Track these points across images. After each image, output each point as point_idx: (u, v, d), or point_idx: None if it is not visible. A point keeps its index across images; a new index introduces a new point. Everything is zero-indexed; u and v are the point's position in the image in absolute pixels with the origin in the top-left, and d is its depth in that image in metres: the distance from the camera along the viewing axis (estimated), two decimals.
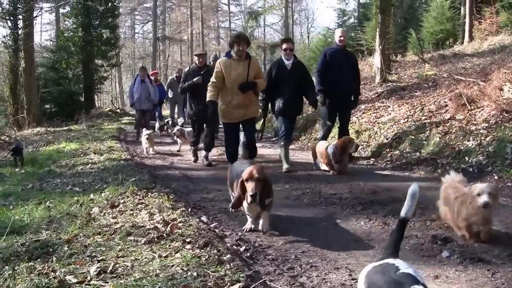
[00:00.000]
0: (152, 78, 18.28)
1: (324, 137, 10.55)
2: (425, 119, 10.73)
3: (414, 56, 20.21)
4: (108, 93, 50.58)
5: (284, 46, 10.05)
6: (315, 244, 4.97)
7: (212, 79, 8.55)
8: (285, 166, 9.63)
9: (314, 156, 9.97)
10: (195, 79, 10.60)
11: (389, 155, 10.28)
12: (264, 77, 9.09)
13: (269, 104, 10.30)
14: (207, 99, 8.50)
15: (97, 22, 29.81)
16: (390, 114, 12.39)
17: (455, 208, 4.89)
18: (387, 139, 10.95)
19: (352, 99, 10.62)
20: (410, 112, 11.79)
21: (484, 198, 4.56)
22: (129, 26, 62.53)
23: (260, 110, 10.15)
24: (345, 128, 10.66)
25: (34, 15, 25.10)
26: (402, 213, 2.95)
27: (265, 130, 14.11)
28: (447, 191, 5.16)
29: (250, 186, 5.06)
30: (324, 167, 9.48)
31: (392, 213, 5.92)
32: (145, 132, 13.24)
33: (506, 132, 8.40)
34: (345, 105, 10.47)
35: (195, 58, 11.19)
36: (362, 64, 19.60)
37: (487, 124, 9.05)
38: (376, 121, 12.35)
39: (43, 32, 53.13)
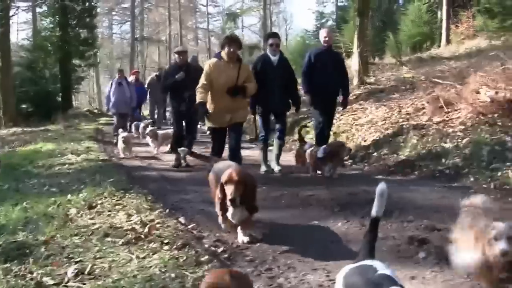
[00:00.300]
0: (133, 77, 18.03)
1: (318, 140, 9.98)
2: (403, 121, 10.81)
3: (392, 58, 20.36)
4: (85, 93, 50.38)
5: (270, 41, 9.56)
6: (293, 245, 4.99)
7: (202, 80, 8.10)
8: (263, 168, 9.36)
9: (300, 161, 9.63)
10: (177, 75, 10.12)
11: (366, 157, 10.33)
12: (254, 81, 8.50)
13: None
14: (197, 100, 8.03)
15: (74, 22, 29.58)
16: (368, 116, 12.45)
17: (471, 244, 3.99)
18: (364, 141, 11.02)
19: (341, 100, 10.28)
20: (387, 115, 11.86)
21: (502, 245, 3.40)
22: (107, 26, 62.12)
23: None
24: (328, 130, 10.37)
25: (11, 14, 24.87)
26: (373, 212, 3.02)
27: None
28: (465, 219, 4.32)
29: (229, 190, 4.75)
30: (311, 170, 9.07)
31: (369, 215, 5.92)
32: (121, 134, 12.58)
33: (482, 135, 8.49)
34: (330, 107, 10.14)
35: (176, 55, 10.78)
36: None
37: (463, 127, 9.13)
38: (354, 123, 12.41)
39: (20, 31, 52.41)
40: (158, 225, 5.16)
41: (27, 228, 5.15)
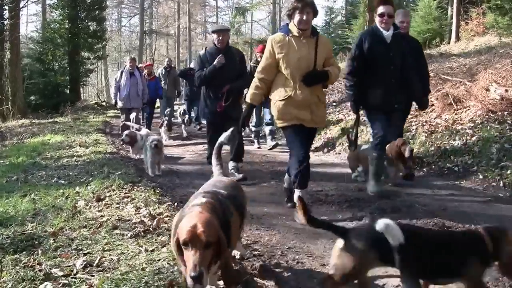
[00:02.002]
0: (145, 71, 15.72)
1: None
2: (411, 118, 10.75)
3: None
4: (94, 86, 50.46)
5: (380, 9, 6.76)
6: (301, 240, 4.99)
7: (259, 69, 6.00)
8: (372, 187, 6.88)
9: (355, 163, 8.18)
10: (216, 61, 8.12)
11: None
12: (337, 65, 6.18)
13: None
14: (247, 98, 6.16)
15: (84, 14, 29.64)
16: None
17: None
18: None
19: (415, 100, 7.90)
20: None
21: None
22: (116, 19, 62.29)
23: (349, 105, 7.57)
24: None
25: (21, 5, 24.89)
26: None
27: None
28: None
29: (190, 257, 2.83)
30: (362, 178, 7.91)
31: (378, 211, 5.95)
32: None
33: (492, 133, 8.45)
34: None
35: (214, 36, 8.44)
36: None
37: (473, 124, 9.08)
38: (362, 119, 12.35)
39: (29, 23, 52.90)
40: (166, 218, 5.16)
41: (35, 220, 5.16)
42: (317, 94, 5.94)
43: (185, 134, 15.29)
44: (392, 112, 7.00)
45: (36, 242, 4.40)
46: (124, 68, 14.07)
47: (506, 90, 9.29)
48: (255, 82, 6.04)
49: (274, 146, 11.78)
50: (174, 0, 52.65)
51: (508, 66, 10.37)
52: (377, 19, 6.90)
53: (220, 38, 8.36)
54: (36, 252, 4.11)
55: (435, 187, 7.27)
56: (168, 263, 3.89)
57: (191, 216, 2.97)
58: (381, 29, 6.79)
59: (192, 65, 16.90)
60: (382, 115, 6.91)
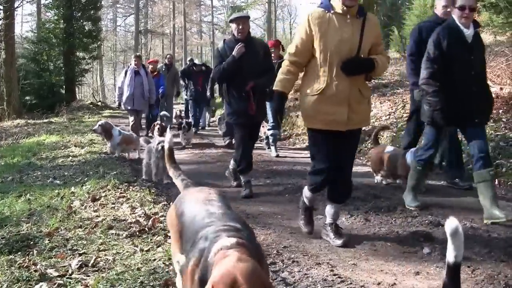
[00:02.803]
0: (150, 67, 14.39)
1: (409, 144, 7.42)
2: (407, 116, 10.76)
3: (397, 53, 20.31)
4: (89, 86, 50.31)
5: (460, 0, 5.59)
6: (296, 239, 5.00)
7: (291, 51, 4.89)
8: (411, 202, 6.14)
9: (378, 165, 7.64)
10: (235, 51, 6.92)
11: (370, 151, 10.31)
12: (386, 54, 5.22)
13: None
14: (275, 85, 5.00)
15: (79, 14, 29.51)
16: (372, 110, 12.41)
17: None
18: (369, 136, 10.99)
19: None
20: (392, 109, 11.84)
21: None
22: (111, 18, 62.15)
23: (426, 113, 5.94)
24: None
25: (15, 5, 24.83)
26: (450, 257, 2.23)
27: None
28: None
29: None
30: (386, 180, 7.57)
31: (373, 209, 5.97)
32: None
33: (487, 130, 8.45)
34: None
35: (233, 26, 7.18)
36: None
37: None
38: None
39: (24, 23, 52.53)
40: (162, 218, 5.16)
41: (31, 220, 5.17)
42: (359, 87, 4.79)
43: (183, 143, 12.32)
44: (470, 126, 5.71)
45: (31, 242, 4.41)
46: (128, 67, 12.86)
47: (501, 88, 9.31)
48: (285, 66, 4.92)
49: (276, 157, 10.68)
50: (169, 0, 52.62)
51: (503, 64, 10.39)
52: (455, 13, 5.65)
53: (240, 27, 7.06)
54: (31, 253, 4.12)
55: (429, 185, 7.28)
56: (163, 263, 3.90)
57: (227, 267, 2.16)
58: (461, 26, 5.61)
59: (197, 60, 16.69)
60: (451, 128, 6.34)
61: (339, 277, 3.94)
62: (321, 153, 4.92)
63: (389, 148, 7.70)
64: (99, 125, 10.17)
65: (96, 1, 30.94)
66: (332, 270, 4.09)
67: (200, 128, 16.38)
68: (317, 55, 4.73)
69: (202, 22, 60.17)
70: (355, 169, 8.89)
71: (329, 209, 5.08)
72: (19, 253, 4.12)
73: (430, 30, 6.17)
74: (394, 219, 5.60)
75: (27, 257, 3.98)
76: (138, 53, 15.49)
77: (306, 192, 5.23)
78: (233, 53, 6.94)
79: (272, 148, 10.89)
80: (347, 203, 6.32)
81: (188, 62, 17.42)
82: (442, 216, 5.51)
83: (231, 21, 7.37)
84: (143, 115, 13.75)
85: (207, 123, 18.29)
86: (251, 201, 6.58)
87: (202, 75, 15.14)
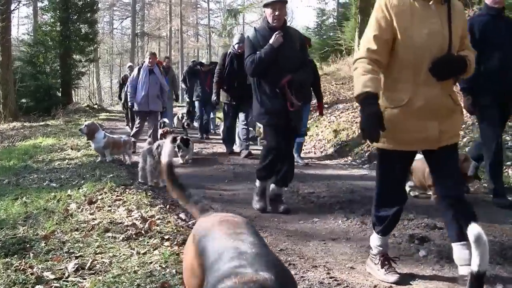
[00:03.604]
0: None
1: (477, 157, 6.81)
2: None
3: None
4: (85, 88, 50.33)
5: None
6: (293, 242, 5.00)
7: (368, 43, 3.73)
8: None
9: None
10: (273, 39, 5.90)
11: (367, 154, 10.33)
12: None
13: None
14: (360, 89, 3.65)
15: (75, 17, 29.51)
16: None
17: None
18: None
19: None
20: None
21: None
22: (107, 21, 62.09)
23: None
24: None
25: (12, 8, 24.83)
26: (474, 266, 2.05)
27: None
28: None
29: None
30: (414, 192, 6.95)
31: (370, 213, 5.94)
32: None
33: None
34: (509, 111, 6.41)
35: (267, 11, 6.09)
36: (341, 64, 19.73)
37: (463, 126, 9.12)
38: (354, 120, 12.40)
39: (21, 25, 52.54)
40: (158, 221, 5.16)
41: (27, 223, 5.15)
42: (449, 93, 3.80)
43: (181, 161, 10.13)
44: None
45: (28, 245, 4.39)
46: (142, 65, 12.06)
47: None
48: (366, 65, 3.68)
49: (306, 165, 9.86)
50: (166, 3, 52.56)
51: None
52: None
53: (277, 13, 6.00)
54: (27, 256, 4.10)
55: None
56: (160, 266, 3.90)
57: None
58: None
59: (204, 60, 15.35)
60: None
61: (335, 280, 3.94)
62: (395, 181, 3.99)
63: (419, 156, 7.01)
64: (85, 125, 9.82)
65: (92, 3, 30.95)
66: (328, 273, 4.09)
67: (208, 133, 15.32)
68: (398, 54, 3.71)
69: (199, 25, 60.16)
70: (350, 172, 9.01)
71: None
72: (16, 256, 4.11)
73: (485, 25, 6.05)
74: None
75: (23, 260, 3.96)
76: (153, 50, 14.02)
77: (375, 240, 4.22)
78: (270, 41, 5.89)
79: (297, 156, 9.71)
80: (344, 205, 6.37)
81: (191, 64, 16.82)
82: (438, 219, 5.51)
83: (266, 5, 6.16)
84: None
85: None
86: (247, 204, 6.56)
87: (211, 75, 13.32)
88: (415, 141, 3.77)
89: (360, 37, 15.97)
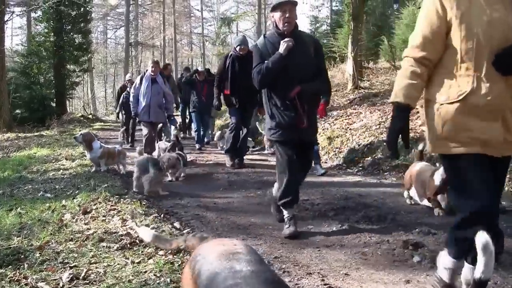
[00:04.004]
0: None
1: None
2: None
3: (386, 63, 20.39)
4: (80, 98, 50.28)
5: None
6: (287, 250, 5.00)
7: (415, 42, 3.45)
8: None
9: (408, 183, 6.83)
10: (282, 47, 5.34)
11: (361, 161, 10.35)
12: None
13: None
14: (392, 97, 3.53)
15: (69, 27, 29.55)
16: (362, 120, 12.48)
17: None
18: (359, 145, 11.02)
19: None
20: (382, 119, 11.89)
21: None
22: (101, 31, 62.12)
23: None
24: None
25: (5, 19, 24.79)
26: (477, 273, 2.10)
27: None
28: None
29: None
30: (425, 202, 6.52)
31: (364, 219, 5.99)
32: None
33: None
34: None
35: (276, 15, 5.51)
36: (334, 71, 19.78)
37: None
38: (348, 127, 12.43)
39: (14, 36, 52.48)
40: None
41: (21, 234, 5.13)
42: None
43: (172, 179, 9.28)
44: None
45: (22, 256, 4.38)
46: (144, 74, 11.48)
47: None
48: (408, 66, 3.44)
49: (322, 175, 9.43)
50: (159, 12, 52.60)
51: None
52: None
53: (287, 15, 5.45)
54: (22, 266, 4.10)
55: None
56: (154, 275, 3.89)
57: None
58: None
59: (199, 68, 14.73)
60: None
61: (330, 287, 3.95)
62: (476, 187, 3.24)
63: (420, 164, 6.76)
64: (80, 134, 9.81)
65: (86, 13, 31.01)
66: (323, 280, 4.10)
67: (205, 143, 14.62)
68: (455, 45, 3.26)
69: (192, 34, 60.24)
70: (345, 179, 9.02)
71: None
72: (10, 266, 4.10)
73: None
74: (384, 228, 5.63)
75: (17, 271, 3.96)
76: (155, 59, 13.02)
77: (445, 262, 3.61)
78: (280, 49, 5.33)
79: (318, 166, 9.56)
80: (338, 212, 6.38)
81: (183, 72, 16.30)
82: (432, 224, 5.55)
83: (274, 8, 5.55)
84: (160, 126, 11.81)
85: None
86: (242, 211, 6.58)
87: (207, 84, 13.21)
88: (477, 142, 3.23)
89: (353, 44, 16.10)
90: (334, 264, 4.52)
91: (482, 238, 2.03)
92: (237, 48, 9.97)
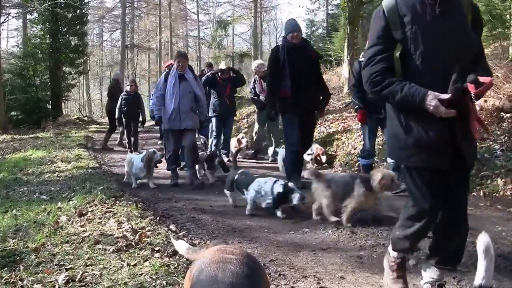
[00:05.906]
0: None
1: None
2: None
3: None
4: (75, 100, 50.16)
5: None
6: (283, 253, 5.01)
7: None
8: None
9: None
10: (432, 103, 3.14)
11: (356, 164, 10.36)
12: None
13: None
14: (430, 104, 3.09)
15: (65, 29, 29.53)
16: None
17: None
18: (354, 149, 11.02)
19: None
20: None
21: None
22: (97, 33, 62.02)
23: None
24: None
25: (1, 20, 24.80)
26: (477, 279, 1.98)
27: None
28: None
29: None
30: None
31: (360, 222, 6.00)
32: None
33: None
34: None
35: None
36: (330, 74, 19.80)
37: None
38: (344, 131, 12.44)
39: (10, 38, 52.33)
40: (149, 233, 5.15)
41: (17, 236, 5.14)
42: None
43: (212, 180, 9.22)
44: None
45: (18, 258, 4.39)
46: (169, 70, 9.40)
47: (485, 101, 9.39)
48: None
49: None
50: (155, 15, 52.64)
51: None
52: None
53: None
54: (18, 268, 4.10)
55: None
56: (150, 277, 3.89)
57: None
58: None
59: (221, 66, 12.15)
60: None
61: None
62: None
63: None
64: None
65: (82, 16, 30.96)
66: (318, 283, 4.10)
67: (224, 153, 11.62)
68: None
69: (189, 37, 60.18)
70: None
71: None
72: (6, 268, 4.10)
73: None
74: (380, 231, 5.64)
75: (13, 273, 3.96)
76: (182, 52, 10.97)
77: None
78: (428, 100, 3.13)
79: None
80: (334, 215, 6.37)
81: (205, 69, 13.91)
82: None
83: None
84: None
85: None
86: (238, 215, 6.59)
87: (231, 83, 11.75)
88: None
89: (349, 47, 16.12)
90: (329, 267, 4.53)
91: (484, 240, 1.95)
92: (289, 37, 7.79)
